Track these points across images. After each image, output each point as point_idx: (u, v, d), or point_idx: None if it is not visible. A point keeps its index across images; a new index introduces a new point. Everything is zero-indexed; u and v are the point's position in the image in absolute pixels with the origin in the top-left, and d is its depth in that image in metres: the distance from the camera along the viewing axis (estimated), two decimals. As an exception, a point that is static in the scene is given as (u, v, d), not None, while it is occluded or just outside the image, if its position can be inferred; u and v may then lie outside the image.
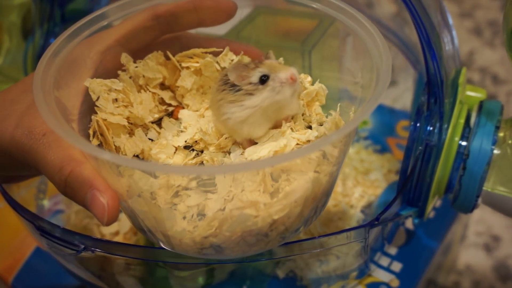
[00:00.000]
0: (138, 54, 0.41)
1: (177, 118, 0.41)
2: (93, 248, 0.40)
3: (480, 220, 0.76)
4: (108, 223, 0.33)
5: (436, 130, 0.41)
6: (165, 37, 0.42)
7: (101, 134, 0.37)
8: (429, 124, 0.41)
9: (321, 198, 0.37)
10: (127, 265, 0.46)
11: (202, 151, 0.39)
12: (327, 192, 0.37)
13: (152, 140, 0.39)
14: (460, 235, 0.66)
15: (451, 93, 0.43)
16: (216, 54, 0.42)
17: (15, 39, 0.69)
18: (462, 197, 0.44)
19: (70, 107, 0.36)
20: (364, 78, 0.38)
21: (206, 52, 0.42)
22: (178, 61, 0.42)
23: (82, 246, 0.40)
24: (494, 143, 0.42)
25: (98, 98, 0.38)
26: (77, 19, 0.57)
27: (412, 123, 0.42)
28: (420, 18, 0.39)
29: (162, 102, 0.42)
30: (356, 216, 0.54)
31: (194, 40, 0.43)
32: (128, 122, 0.39)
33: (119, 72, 0.41)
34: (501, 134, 0.42)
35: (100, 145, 0.37)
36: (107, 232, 0.52)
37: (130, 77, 0.40)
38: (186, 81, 0.41)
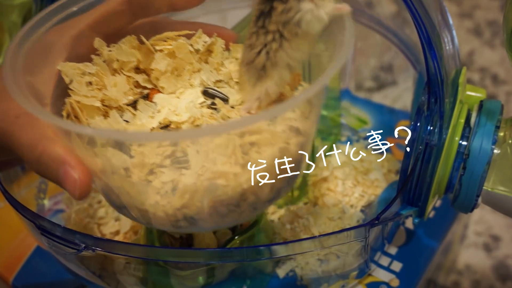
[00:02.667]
0: (111, 39, 0.41)
1: (152, 101, 0.40)
2: (93, 247, 0.40)
3: (480, 220, 0.76)
4: (80, 197, 0.34)
5: (436, 130, 0.41)
6: (138, 22, 0.42)
7: (75, 116, 0.37)
8: (429, 123, 0.41)
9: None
10: (127, 264, 0.46)
11: None
12: (298, 163, 0.37)
13: (127, 121, 0.39)
14: (460, 235, 0.66)
15: (451, 93, 0.43)
16: (189, 36, 0.42)
17: (15, 39, 0.69)
18: (462, 197, 0.44)
19: (43, 91, 0.36)
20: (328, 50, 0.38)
21: (179, 35, 0.42)
22: (152, 45, 0.41)
23: (83, 245, 0.40)
24: (494, 142, 0.42)
25: (71, 81, 0.38)
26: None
27: (412, 122, 0.42)
28: (421, 17, 0.39)
29: (137, 85, 0.41)
30: (356, 215, 0.54)
31: (168, 24, 0.43)
32: (103, 105, 0.38)
33: (93, 56, 0.40)
34: (501, 134, 0.43)
35: None
36: (107, 231, 0.52)
37: (104, 61, 0.40)
38: (160, 63, 0.40)
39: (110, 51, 0.40)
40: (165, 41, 0.42)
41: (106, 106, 0.39)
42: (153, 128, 0.37)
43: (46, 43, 0.38)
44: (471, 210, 0.45)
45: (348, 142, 0.65)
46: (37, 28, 0.38)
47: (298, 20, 0.32)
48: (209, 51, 0.43)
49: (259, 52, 0.34)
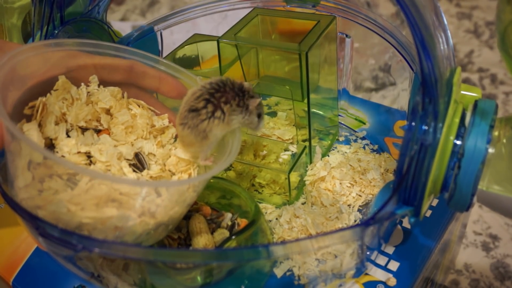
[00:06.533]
0: (104, 84, 0.51)
1: (98, 136, 0.48)
2: (91, 248, 0.41)
3: (479, 220, 0.76)
4: None
5: (431, 130, 0.41)
6: (135, 87, 0.53)
7: (37, 111, 0.45)
8: (424, 123, 0.41)
9: (126, 233, 0.43)
10: (125, 265, 0.47)
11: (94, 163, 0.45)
12: (134, 234, 0.44)
13: (69, 136, 0.46)
14: (458, 234, 0.66)
15: (446, 93, 0.43)
16: (158, 114, 0.53)
17: (15, 41, 0.69)
18: (458, 196, 0.44)
19: (30, 75, 0.46)
20: None
21: (149, 109, 0.53)
22: (128, 103, 0.52)
23: (81, 246, 0.40)
24: (489, 142, 0.42)
25: (56, 90, 0.47)
26: (76, 22, 0.58)
27: (407, 122, 0.42)
28: (414, 17, 0.39)
29: (98, 120, 0.50)
30: (353, 215, 0.54)
31: (151, 100, 0.54)
32: (63, 117, 0.47)
33: (82, 84, 0.50)
34: (495, 133, 0.43)
35: (31, 115, 0.46)
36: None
37: (87, 92, 0.50)
38: (121, 116, 0.50)
39: (97, 89, 0.50)
40: (138, 105, 0.52)
41: (64, 118, 0.47)
42: (79, 151, 0.45)
43: (58, 56, 0.48)
44: (467, 209, 0.45)
45: (346, 142, 0.65)
46: (56, 46, 0.49)
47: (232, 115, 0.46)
48: (162, 130, 0.52)
49: (203, 120, 0.45)
